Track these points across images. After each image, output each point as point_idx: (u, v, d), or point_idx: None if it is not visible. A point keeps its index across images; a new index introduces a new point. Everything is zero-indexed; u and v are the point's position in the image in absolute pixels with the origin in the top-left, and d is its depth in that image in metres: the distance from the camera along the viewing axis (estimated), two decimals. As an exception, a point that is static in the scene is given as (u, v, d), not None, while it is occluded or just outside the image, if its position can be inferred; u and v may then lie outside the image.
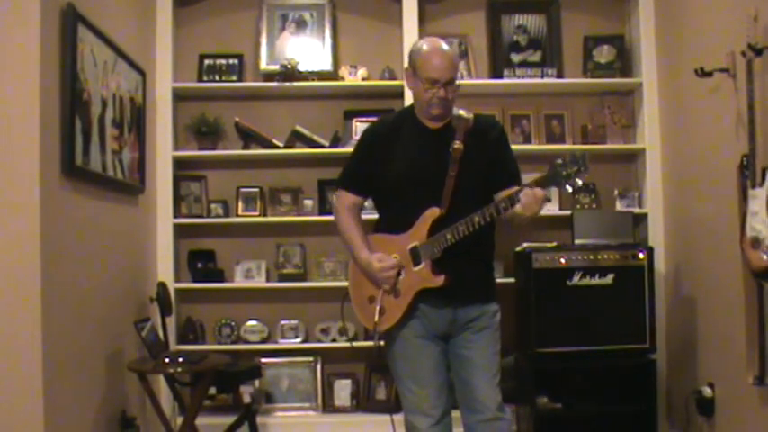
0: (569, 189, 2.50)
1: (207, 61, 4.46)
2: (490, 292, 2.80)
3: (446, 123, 2.72)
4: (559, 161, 2.46)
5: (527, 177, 2.76)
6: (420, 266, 2.66)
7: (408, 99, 4.27)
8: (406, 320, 2.70)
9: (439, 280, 2.63)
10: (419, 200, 2.66)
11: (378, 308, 2.70)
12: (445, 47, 2.66)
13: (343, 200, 2.85)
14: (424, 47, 2.67)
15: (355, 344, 4.10)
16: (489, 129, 2.78)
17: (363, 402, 4.37)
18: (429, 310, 2.70)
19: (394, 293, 2.71)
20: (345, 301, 2.89)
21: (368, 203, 2.93)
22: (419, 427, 2.69)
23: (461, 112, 2.71)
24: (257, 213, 4.42)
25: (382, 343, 2.78)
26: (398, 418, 4.23)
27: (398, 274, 2.69)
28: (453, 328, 2.72)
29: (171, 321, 4.09)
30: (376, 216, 2.89)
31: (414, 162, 2.69)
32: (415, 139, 2.73)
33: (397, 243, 2.70)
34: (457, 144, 2.63)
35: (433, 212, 2.63)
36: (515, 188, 2.54)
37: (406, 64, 2.77)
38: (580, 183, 2.46)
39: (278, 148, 4.40)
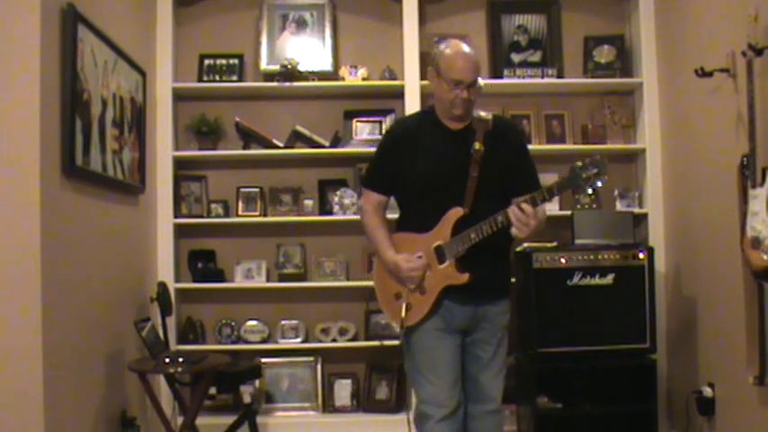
0: (589, 191, 2.57)
1: (207, 61, 4.46)
2: (507, 286, 2.94)
3: (466, 125, 2.80)
4: (579, 164, 2.54)
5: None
6: (445, 264, 2.74)
7: (409, 99, 4.28)
8: (430, 316, 2.79)
9: (464, 277, 2.71)
10: (442, 199, 2.75)
11: (404, 305, 2.78)
12: (468, 50, 2.76)
13: (368, 199, 2.93)
14: (448, 50, 2.75)
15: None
16: (509, 131, 2.89)
17: (364, 402, 4.37)
18: (453, 306, 2.78)
19: (420, 291, 2.79)
20: (370, 301, 2.95)
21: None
22: (433, 416, 2.75)
23: (481, 113, 2.81)
24: (257, 213, 4.42)
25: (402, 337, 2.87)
26: (402, 417, 4.27)
27: (424, 273, 2.77)
28: (473, 322, 2.82)
29: (171, 321, 4.09)
30: (395, 216, 2.97)
31: (436, 162, 2.77)
32: (437, 139, 2.81)
33: (422, 242, 2.78)
34: (477, 145, 2.72)
35: (457, 212, 2.72)
36: (529, 195, 2.62)
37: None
38: (600, 185, 2.54)
39: (278, 148, 4.40)
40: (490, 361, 2.84)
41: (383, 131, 4.40)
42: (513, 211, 2.58)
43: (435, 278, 2.76)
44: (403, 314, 2.78)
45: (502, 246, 2.84)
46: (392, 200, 2.98)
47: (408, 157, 2.80)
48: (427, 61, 4.39)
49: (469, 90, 2.72)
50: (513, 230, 2.61)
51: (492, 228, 2.65)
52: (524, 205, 2.57)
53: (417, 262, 2.75)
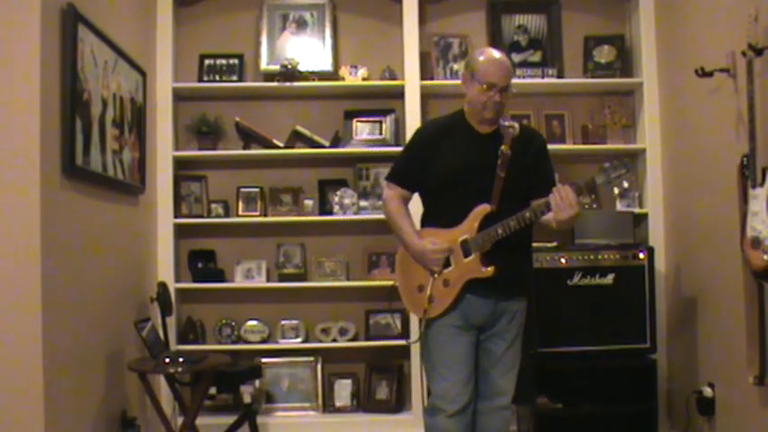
0: (616, 191, 2.85)
1: (207, 61, 4.46)
2: (527, 283, 3.07)
3: (494, 130, 2.92)
4: (607, 165, 2.76)
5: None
6: (470, 258, 2.85)
7: (409, 99, 4.28)
8: (452, 309, 2.87)
9: (489, 270, 2.82)
10: (469, 197, 2.86)
11: (427, 296, 2.86)
12: (501, 56, 2.90)
13: (392, 193, 3.04)
14: (482, 56, 2.90)
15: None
16: (533, 138, 3.02)
17: (364, 402, 4.37)
18: (474, 300, 2.87)
19: (443, 283, 2.87)
20: (393, 299, 3.05)
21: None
22: (444, 411, 2.83)
23: (508, 123, 2.92)
24: (258, 213, 4.42)
25: (411, 341, 2.92)
26: (402, 417, 4.28)
27: (447, 260, 2.86)
28: (491, 318, 2.90)
29: (171, 321, 4.09)
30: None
31: (466, 162, 2.88)
32: (467, 141, 2.93)
33: (448, 236, 2.88)
34: (505, 148, 2.84)
35: (485, 209, 2.84)
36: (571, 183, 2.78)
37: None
38: (626, 185, 2.79)
39: (278, 148, 4.40)
40: (502, 356, 2.93)
41: (383, 131, 4.42)
42: (558, 191, 2.68)
43: (459, 271, 2.85)
44: (426, 305, 2.86)
45: (525, 243, 2.97)
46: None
47: (436, 156, 2.91)
48: (425, 62, 4.44)
49: (502, 94, 2.85)
50: (554, 213, 2.69)
51: (519, 223, 2.77)
52: (568, 188, 2.69)
53: (442, 245, 2.85)
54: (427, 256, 2.87)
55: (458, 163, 2.88)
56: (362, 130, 4.44)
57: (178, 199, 4.38)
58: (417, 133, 3.10)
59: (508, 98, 2.90)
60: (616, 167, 2.75)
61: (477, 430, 2.97)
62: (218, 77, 4.43)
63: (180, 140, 4.46)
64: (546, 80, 4.41)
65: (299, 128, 4.42)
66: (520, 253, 2.96)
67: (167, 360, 3.45)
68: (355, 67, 4.43)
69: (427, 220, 3.02)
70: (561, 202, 2.68)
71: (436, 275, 2.88)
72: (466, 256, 2.85)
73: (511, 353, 2.96)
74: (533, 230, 2.99)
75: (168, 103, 4.30)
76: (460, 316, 2.87)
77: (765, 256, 2.79)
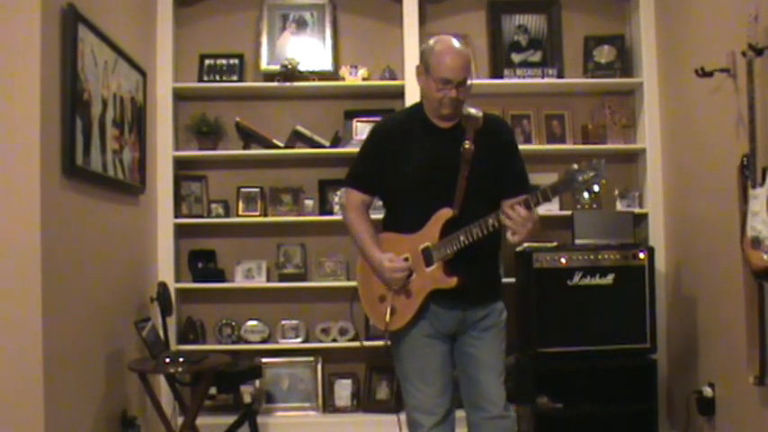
0: (585, 196, 2.44)
1: (207, 61, 4.46)
2: (497, 290, 2.81)
3: (456, 123, 2.69)
4: (575, 166, 2.43)
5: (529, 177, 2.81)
6: (432, 267, 2.64)
7: (409, 99, 4.28)
8: (416, 320, 2.69)
9: (452, 281, 2.62)
10: (431, 200, 2.65)
11: (389, 308, 2.69)
12: (459, 46, 2.63)
13: (351, 198, 2.82)
14: (438, 46, 2.62)
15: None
16: (499, 130, 2.77)
17: (364, 402, 4.37)
18: (440, 311, 2.68)
19: (405, 293, 2.69)
20: (354, 301, 2.88)
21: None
22: (424, 425, 2.67)
23: (471, 110, 2.69)
24: (258, 213, 4.42)
25: (389, 343, 2.76)
26: (402, 417, 4.27)
27: (409, 275, 2.67)
28: (462, 327, 2.72)
29: (171, 321, 4.10)
30: (382, 215, 2.87)
31: (426, 162, 2.66)
32: (426, 138, 2.69)
33: (408, 243, 2.68)
34: (467, 144, 2.62)
35: (446, 213, 2.62)
36: (522, 198, 2.50)
37: (417, 61, 2.75)
38: (597, 189, 2.42)
39: (278, 148, 4.40)
40: (487, 359, 2.71)
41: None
42: (506, 214, 2.46)
43: (422, 281, 2.66)
44: (387, 318, 2.69)
45: (491, 249, 2.74)
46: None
47: (395, 156, 2.69)
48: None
49: (459, 89, 2.59)
50: (509, 235, 2.50)
51: (482, 230, 2.54)
52: (518, 207, 2.45)
53: (402, 263, 2.65)
54: (386, 274, 2.66)
55: (417, 163, 2.65)
56: (362, 130, 4.43)
57: (178, 199, 4.38)
58: (373, 132, 2.81)
59: (467, 92, 2.62)
60: (583, 170, 2.41)
61: None
62: (218, 77, 4.43)
63: (180, 140, 4.46)
64: (546, 80, 4.41)
65: (299, 128, 4.42)
66: (486, 260, 2.73)
67: (167, 360, 3.45)
68: (355, 67, 4.43)
69: (388, 225, 2.80)
70: (512, 223, 2.45)
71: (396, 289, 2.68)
72: (428, 265, 2.64)
73: (495, 354, 2.72)
74: (502, 235, 2.66)
75: (168, 103, 4.30)
76: (429, 325, 2.68)
77: (765, 256, 2.80)
